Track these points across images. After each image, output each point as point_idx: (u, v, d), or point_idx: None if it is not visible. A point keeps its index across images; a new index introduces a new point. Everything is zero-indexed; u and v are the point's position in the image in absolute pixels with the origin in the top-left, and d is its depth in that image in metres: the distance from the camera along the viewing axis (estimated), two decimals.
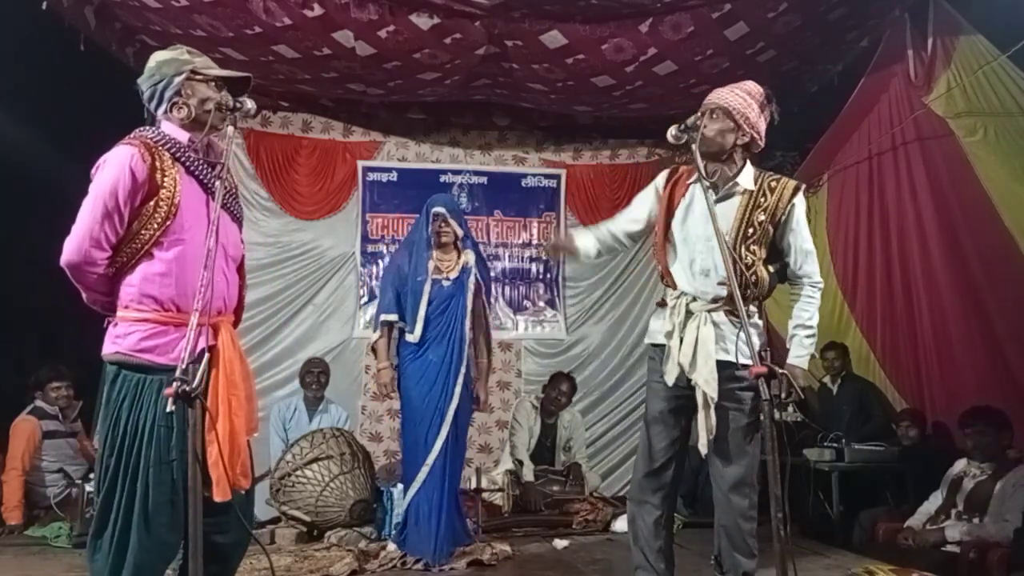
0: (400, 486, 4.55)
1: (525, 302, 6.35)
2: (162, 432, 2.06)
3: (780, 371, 2.23)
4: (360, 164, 6.18)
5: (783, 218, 2.60)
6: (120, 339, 2.11)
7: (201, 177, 2.19)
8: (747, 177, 2.64)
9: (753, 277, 2.58)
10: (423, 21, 4.55)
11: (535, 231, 6.41)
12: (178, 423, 2.04)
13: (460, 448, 3.87)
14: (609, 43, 4.74)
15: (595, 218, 6.38)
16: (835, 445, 4.58)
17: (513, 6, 4.44)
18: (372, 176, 6.22)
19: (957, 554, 3.56)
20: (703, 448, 2.57)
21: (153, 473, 2.05)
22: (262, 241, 5.98)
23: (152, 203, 2.10)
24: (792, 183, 2.65)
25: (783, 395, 2.28)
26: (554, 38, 4.73)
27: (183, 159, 2.17)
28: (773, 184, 2.63)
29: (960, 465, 3.92)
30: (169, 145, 2.16)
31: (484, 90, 5.72)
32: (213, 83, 2.24)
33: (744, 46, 4.74)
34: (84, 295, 2.18)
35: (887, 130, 4.93)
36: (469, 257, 3.92)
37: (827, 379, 5.26)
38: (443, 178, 6.33)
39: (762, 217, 2.59)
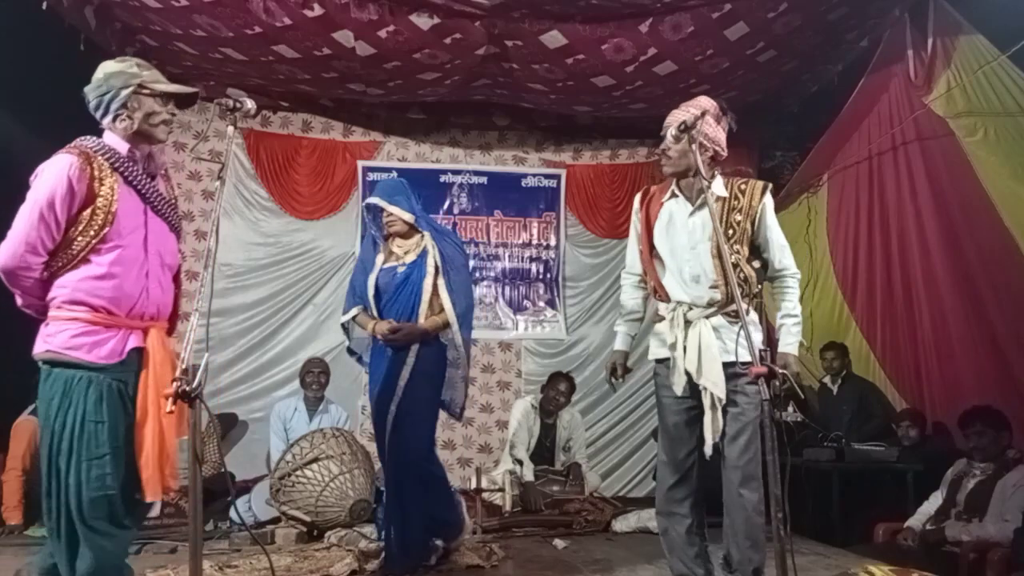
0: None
1: (525, 302, 6.35)
2: (92, 427, 2.11)
3: (781, 371, 2.27)
4: (360, 164, 6.19)
5: (757, 215, 2.73)
6: (50, 338, 2.16)
7: (139, 187, 2.24)
8: (718, 185, 2.77)
9: (741, 275, 2.68)
10: (423, 21, 4.55)
11: (535, 231, 6.42)
12: (109, 418, 2.11)
13: (405, 452, 3.36)
14: (609, 43, 4.74)
15: (595, 218, 6.41)
16: (835, 445, 4.58)
17: (513, 6, 4.44)
18: (372, 176, 6.22)
19: (957, 554, 3.56)
20: (708, 450, 2.64)
21: (85, 469, 2.10)
22: (262, 241, 5.99)
23: (89, 211, 2.15)
24: (760, 183, 2.80)
25: (779, 383, 2.34)
26: (554, 38, 4.73)
27: (121, 169, 2.21)
28: (743, 187, 2.78)
29: (960, 465, 3.92)
30: (108, 155, 2.20)
31: (484, 90, 5.72)
32: (160, 98, 2.28)
33: (744, 46, 4.74)
34: (19, 299, 2.23)
35: (887, 130, 4.93)
36: (426, 238, 3.53)
37: (827, 379, 5.26)
38: (443, 178, 6.34)
39: (739, 217, 2.72)
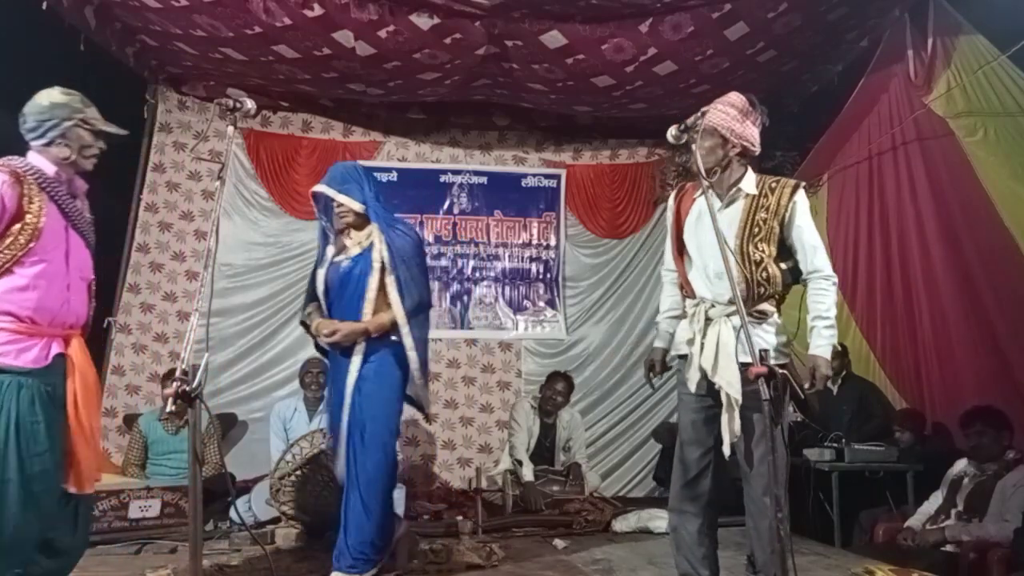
0: (400, 485, 4.55)
1: (525, 302, 6.35)
2: (29, 427, 2.24)
3: (780, 371, 2.26)
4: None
5: (786, 215, 2.69)
6: None
7: (63, 206, 2.43)
8: (749, 182, 2.74)
9: (764, 274, 2.66)
10: (423, 21, 4.55)
11: (535, 231, 6.41)
12: (44, 417, 2.25)
13: (363, 472, 3.05)
14: (609, 43, 4.74)
15: (595, 218, 6.41)
16: (835, 445, 4.58)
17: (513, 6, 4.44)
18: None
19: (957, 554, 3.55)
20: (727, 451, 2.61)
21: (28, 466, 2.23)
22: (262, 241, 5.99)
23: (17, 227, 2.30)
24: (792, 182, 2.75)
25: (808, 384, 2.45)
26: (554, 38, 4.73)
27: (48, 189, 2.39)
28: (773, 185, 2.74)
29: (960, 465, 3.92)
30: (36, 175, 2.37)
31: (484, 90, 5.72)
32: (94, 133, 2.49)
33: (744, 46, 4.74)
34: None
35: (887, 130, 4.93)
36: (373, 230, 3.18)
37: None
38: (443, 178, 6.34)
39: (765, 215, 2.69)
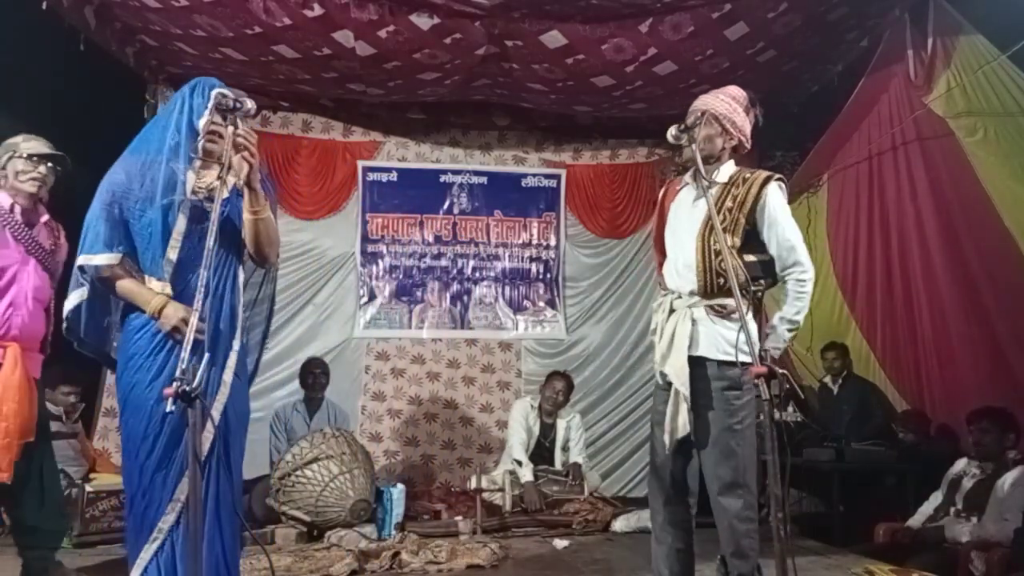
0: (400, 486, 4.55)
1: (525, 302, 6.35)
2: None
3: (780, 371, 2.21)
4: (360, 164, 6.19)
5: (754, 206, 2.57)
6: None
7: (14, 234, 2.92)
8: (724, 174, 2.67)
9: (723, 265, 2.46)
10: (423, 21, 4.55)
11: (535, 231, 6.42)
12: None
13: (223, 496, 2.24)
14: (609, 43, 4.74)
15: (595, 218, 6.42)
16: (835, 445, 4.58)
17: (513, 6, 4.44)
18: (372, 176, 6.23)
19: (957, 553, 3.56)
20: (666, 440, 2.56)
21: None
22: None
23: None
24: (765, 173, 2.63)
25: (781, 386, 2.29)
26: (554, 38, 4.73)
27: (1, 219, 2.91)
28: (747, 176, 2.64)
29: (960, 464, 3.92)
30: None
31: (484, 90, 5.72)
32: (32, 159, 2.96)
33: (744, 46, 4.74)
34: None
35: (887, 130, 4.92)
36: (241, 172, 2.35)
37: (827, 379, 5.26)
38: (443, 178, 6.34)
39: (731, 205, 2.59)
